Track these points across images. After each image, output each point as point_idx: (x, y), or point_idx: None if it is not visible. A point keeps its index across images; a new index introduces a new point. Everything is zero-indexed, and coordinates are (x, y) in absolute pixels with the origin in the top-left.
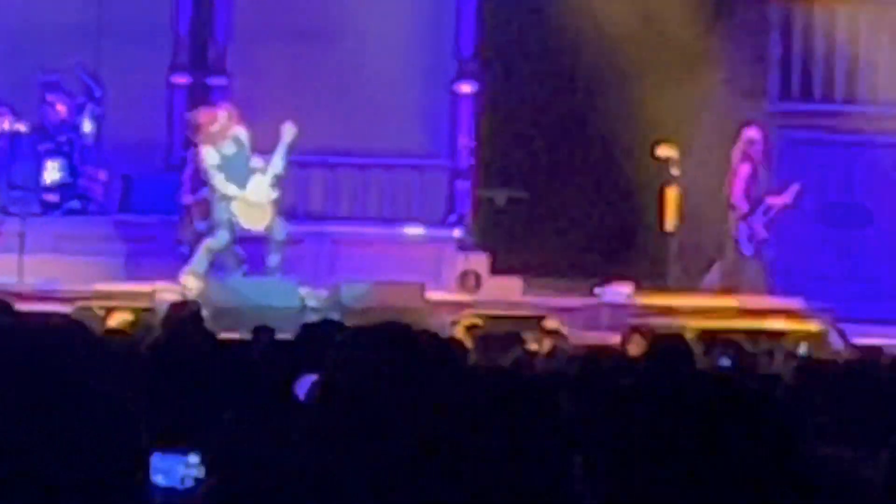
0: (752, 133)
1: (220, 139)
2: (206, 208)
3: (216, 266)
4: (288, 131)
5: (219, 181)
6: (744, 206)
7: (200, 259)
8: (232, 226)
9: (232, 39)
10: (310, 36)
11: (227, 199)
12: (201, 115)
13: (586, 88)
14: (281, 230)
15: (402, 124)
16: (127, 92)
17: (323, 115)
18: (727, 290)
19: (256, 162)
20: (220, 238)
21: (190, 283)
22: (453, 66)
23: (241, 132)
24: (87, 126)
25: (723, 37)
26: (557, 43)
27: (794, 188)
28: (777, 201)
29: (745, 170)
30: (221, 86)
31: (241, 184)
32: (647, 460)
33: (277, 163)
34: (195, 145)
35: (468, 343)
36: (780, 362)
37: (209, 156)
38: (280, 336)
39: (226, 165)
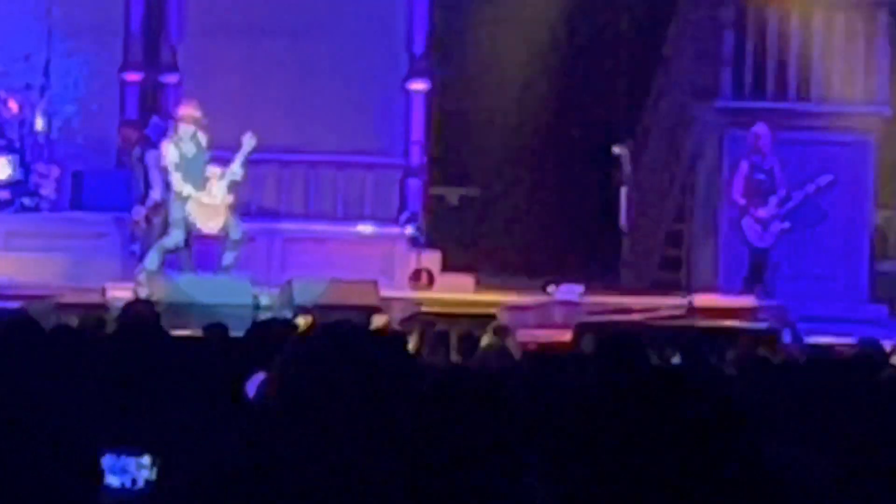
0: (758, 129)
1: (188, 128)
2: (158, 208)
3: (169, 264)
4: (248, 141)
5: (176, 179)
6: (741, 201)
7: (153, 257)
8: (186, 225)
9: (184, 36)
10: (262, 33)
11: (183, 198)
12: (191, 105)
13: (539, 87)
14: (236, 229)
15: (354, 122)
16: (79, 89)
17: (275, 113)
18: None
19: (213, 169)
20: (175, 237)
21: (143, 281)
22: (405, 63)
23: (203, 137)
24: (39, 123)
25: (675, 35)
26: (509, 40)
27: (825, 178)
28: (799, 193)
29: (744, 166)
30: (173, 83)
31: (198, 185)
32: (600, 457)
33: (235, 170)
34: (152, 146)
35: (421, 341)
36: (732, 360)
37: (171, 153)
38: (233, 334)
39: (185, 165)
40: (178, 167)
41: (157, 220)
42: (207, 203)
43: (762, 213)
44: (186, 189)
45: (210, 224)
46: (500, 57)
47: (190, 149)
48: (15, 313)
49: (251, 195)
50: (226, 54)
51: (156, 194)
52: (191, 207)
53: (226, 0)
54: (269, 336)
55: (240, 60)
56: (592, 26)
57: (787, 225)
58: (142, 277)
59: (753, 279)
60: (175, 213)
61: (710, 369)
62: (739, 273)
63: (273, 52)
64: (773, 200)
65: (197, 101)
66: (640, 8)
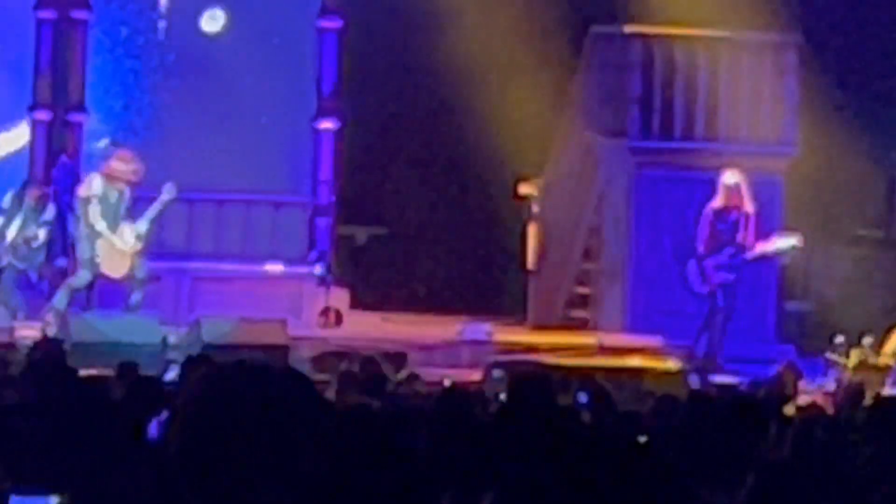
0: (727, 176)
1: (117, 181)
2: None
3: (74, 303)
4: (168, 191)
5: (94, 212)
6: (700, 247)
7: (61, 297)
8: (94, 266)
9: (92, 75)
10: (171, 71)
11: (95, 235)
12: (124, 160)
13: (448, 125)
14: (142, 269)
15: (262, 160)
16: None
17: (184, 151)
18: None
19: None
20: (82, 277)
21: (51, 320)
22: (314, 102)
23: (129, 190)
24: None
25: (584, 72)
26: (418, 80)
27: (781, 239)
28: (757, 250)
29: (708, 211)
30: (80, 122)
31: (112, 227)
32: (508, 496)
33: (149, 218)
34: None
35: (329, 379)
36: (637, 400)
37: (95, 185)
38: (141, 373)
39: (104, 203)
40: (99, 200)
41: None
42: (118, 248)
43: (710, 261)
44: (100, 224)
45: (116, 269)
46: (409, 95)
47: (113, 193)
48: None
49: (159, 233)
50: (134, 92)
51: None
52: (100, 248)
53: (134, 39)
54: (181, 376)
55: (147, 99)
56: (500, 63)
57: (731, 277)
58: (49, 317)
59: (704, 325)
60: (84, 253)
61: (616, 409)
62: (647, 312)
63: (182, 89)
64: (728, 251)
65: (130, 153)
66: (548, 46)
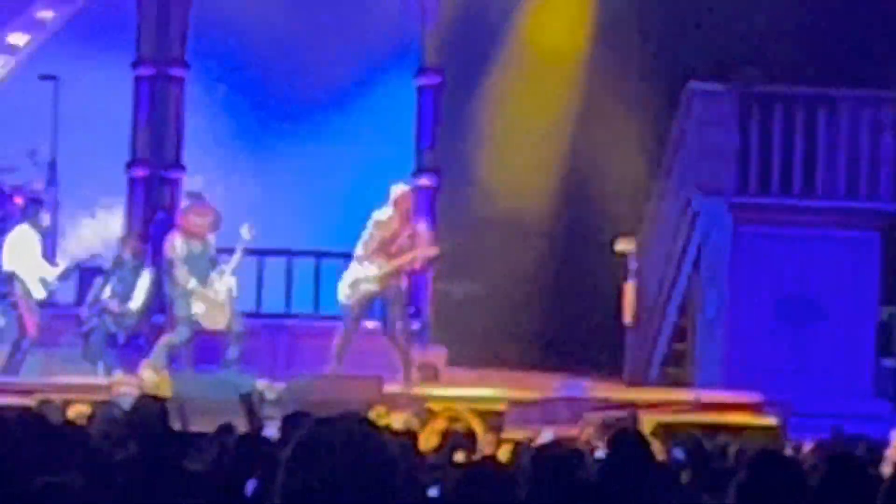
0: None
1: (197, 236)
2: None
3: (174, 360)
4: (246, 232)
5: (182, 273)
6: None
7: (159, 353)
8: (192, 322)
9: (192, 136)
10: (268, 129)
11: (188, 294)
12: (200, 214)
13: (544, 181)
14: (239, 323)
15: (362, 217)
16: (85, 184)
17: (282, 208)
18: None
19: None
20: (181, 334)
21: (148, 377)
22: (411, 159)
23: (211, 236)
24: (46, 219)
25: (681, 129)
26: (515, 137)
27: None
28: None
29: None
30: (177, 179)
31: (202, 281)
32: None
33: (235, 262)
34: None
35: (427, 437)
36: (735, 456)
37: (178, 247)
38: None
39: (190, 260)
40: (185, 261)
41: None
42: (212, 299)
43: None
44: (191, 283)
45: (214, 321)
46: (506, 152)
47: (196, 246)
48: (23, 410)
49: (257, 290)
50: (233, 152)
51: (136, 303)
52: (196, 305)
53: (231, 96)
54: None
55: (246, 158)
56: (597, 121)
57: None
58: (146, 374)
59: None
60: (180, 311)
61: (714, 466)
62: (744, 369)
63: (279, 147)
64: None
65: (207, 206)
66: (646, 102)
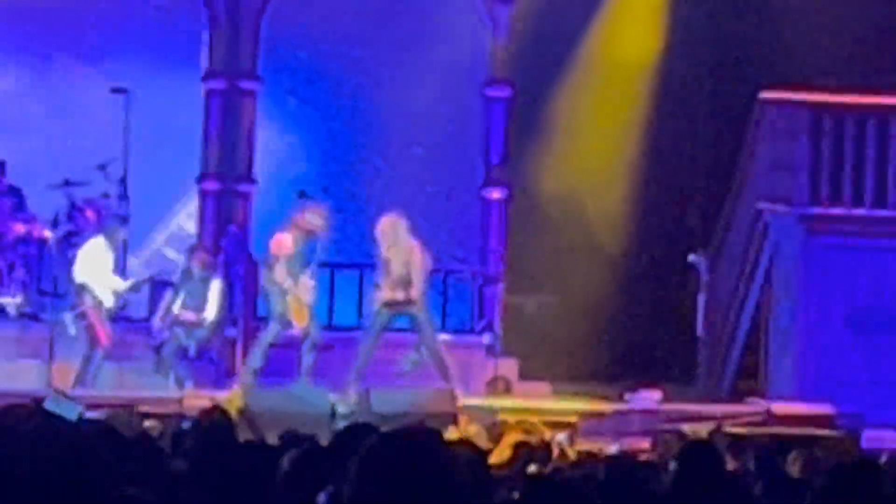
0: None
1: (309, 235)
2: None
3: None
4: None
5: (280, 272)
6: None
7: (257, 355)
8: (284, 320)
9: (261, 145)
10: (338, 141)
11: (284, 292)
12: (317, 213)
13: (615, 194)
14: (318, 331)
15: (432, 230)
16: (156, 197)
17: (352, 221)
18: None
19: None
20: (273, 330)
21: (247, 381)
22: (482, 172)
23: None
24: (122, 234)
25: (751, 141)
26: (585, 148)
27: None
28: None
29: None
30: (248, 192)
31: (295, 279)
32: None
33: (313, 268)
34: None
35: (500, 450)
36: (807, 468)
37: (288, 245)
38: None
39: (290, 259)
40: (288, 259)
41: (231, 331)
42: (300, 299)
43: None
44: (287, 282)
45: (301, 319)
46: (576, 164)
47: (302, 245)
48: (96, 422)
49: (329, 302)
50: (302, 163)
51: (210, 314)
52: (289, 302)
53: (302, 109)
54: (350, 446)
55: (315, 169)
56: (668, 133)
57: None
58: (247, 377)
59: None
60: (275, 308)
61: (788, 477)
62: (817, 381)
63: (349, 160)
64: None
65: (320, 205)
66: (716, 114)
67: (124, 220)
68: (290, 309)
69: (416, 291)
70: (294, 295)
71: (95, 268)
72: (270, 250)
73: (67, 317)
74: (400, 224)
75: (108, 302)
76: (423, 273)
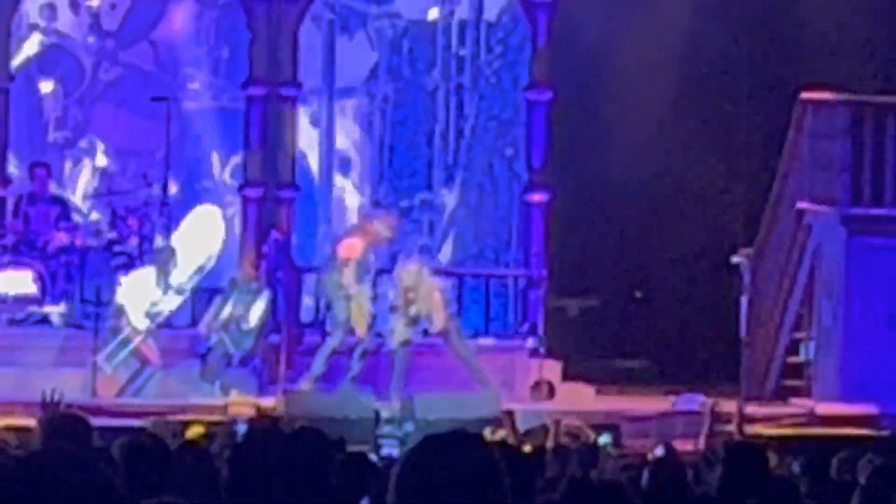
0: None
1: (381, 243)
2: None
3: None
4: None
5: (347, 275)
6: None
7: (320, 363)
8: (347, 326)
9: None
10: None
11: (349, 297)
12: (385, 222)
13: (657, 197)
14: (372, 340)
15: (474, 234)
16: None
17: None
18: None
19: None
20: (338, 338)
21: (307, 386)
22: (525, 176)
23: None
24: (158, 240)
25: (793, 141)
26: (625, 152)
27: None
28: None
29: None
30: (291, 199)
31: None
32: None
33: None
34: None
35: (543, 452)
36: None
37: (359, 251)
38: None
39: (358, 267)
40: (357, 264)
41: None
42: (363, 306)
43: None
44: (353, 288)
45: (361, 327)
46: (617, 168)
47: (370, 253)
48: (140, 431)
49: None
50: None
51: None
52: (353, 309)
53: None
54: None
55: (358, 176)
56: (708, 135)
57: None
58: (307, 386)
59: None
60: (340, 314)
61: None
62: (861, 381)
63: (393, 168)
64: None
65: (394, 217)
66: (757, 115)
67: (173, 251)
68: (354, 317)
69: (439, 325)
70: (357, 302)
71: (134, 287)
72: (339, 255)
73: (100, 358)
74: (422, 273)
75: (140, 323)
76: (445, 305)
